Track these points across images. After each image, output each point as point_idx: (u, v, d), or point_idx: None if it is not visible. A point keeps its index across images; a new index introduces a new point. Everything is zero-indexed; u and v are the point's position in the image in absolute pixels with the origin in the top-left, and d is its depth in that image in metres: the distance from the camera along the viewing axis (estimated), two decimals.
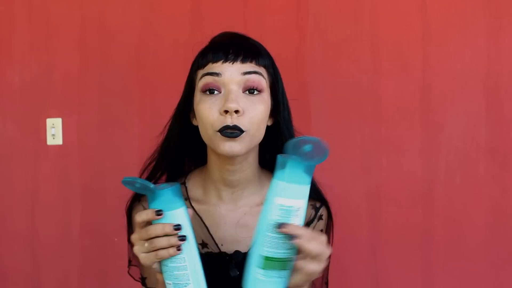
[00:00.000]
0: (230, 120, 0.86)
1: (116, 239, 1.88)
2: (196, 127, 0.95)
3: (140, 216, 0.79)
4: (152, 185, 0.78)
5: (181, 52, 1.89)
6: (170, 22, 1.91)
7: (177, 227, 0.78)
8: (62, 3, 1.96)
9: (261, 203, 0.99)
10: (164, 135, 1.02)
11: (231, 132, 0.86)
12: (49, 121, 1.97)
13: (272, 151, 0.98)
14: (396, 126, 1.80)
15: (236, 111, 0.86)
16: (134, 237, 0.80)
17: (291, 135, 0.98)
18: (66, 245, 1.96)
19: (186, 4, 1.90)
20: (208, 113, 0.88)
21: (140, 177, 1.02)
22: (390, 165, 1.80)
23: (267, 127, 0.96)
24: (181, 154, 1.02)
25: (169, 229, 0.77)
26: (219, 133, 0.87)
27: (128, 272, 1.04)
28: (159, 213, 0.78)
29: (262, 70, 0.92)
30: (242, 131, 0.87)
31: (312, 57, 1.84)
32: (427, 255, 1.78)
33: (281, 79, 0.98)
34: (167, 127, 1.01)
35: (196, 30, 1.88)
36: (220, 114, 0.87)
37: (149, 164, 1.02)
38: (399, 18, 1.80)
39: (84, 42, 1.96)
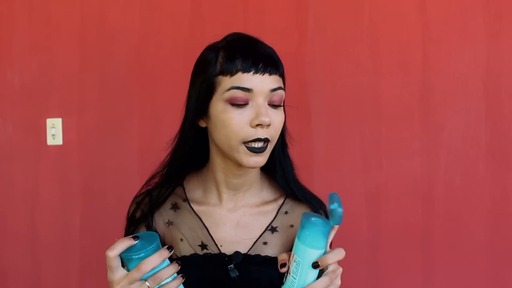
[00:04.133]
0: (261, 133, 0.88)
1: (116, 239, 1.88)
2: (203, 129, 0.95)
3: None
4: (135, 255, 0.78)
5: (181, 52, 1.89)
6: (170, 22, 1.91)
7: (170, 248, 0.79)
8: (62, 3, 1.96)
9: (260, 204, 0.99)
10: (177, 140, 0.99)
11: (259, 147, 0.88)
12: (49, 121, 1.97)
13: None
14: (396, 126, 1.80)
15: (268, 125, 0.88)
16: (123, 283, 0.78)
17: (283, 138, 0.99)
18: (66, 245, 1.96)
19: (186, 4, 1.90)
20: (236, 125, 0.88)
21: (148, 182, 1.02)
22: (390, 165, 1.80)
23: None
24: (192, 157, 1.01)
25: (165, 253, 0.78)
26: (245, 147, 0.88)
27: None
28: (135, 238, 0.79)
29: (282, 80, 0.93)
30: (268, 142, 0.89)
31: (312, 57, 1.84)
32: (427, 255, 1.79)
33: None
34: (180, 132, 0.98)
35: (196, 30, 1.88)
36: (251, 126, 0.88)
37: (162, 170, 1.00)
38: (399, 18, 1.80)
39: (84, 42, 1.96)
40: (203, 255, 0.95)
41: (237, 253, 0.94)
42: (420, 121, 1.79)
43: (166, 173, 1.00)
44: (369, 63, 1.81)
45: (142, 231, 0.97)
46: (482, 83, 1.76)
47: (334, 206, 0.79)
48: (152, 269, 0.77)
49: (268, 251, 0.96)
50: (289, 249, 0.97)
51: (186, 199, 0.99)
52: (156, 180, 1.02)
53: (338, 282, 0.81)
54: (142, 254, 0.77)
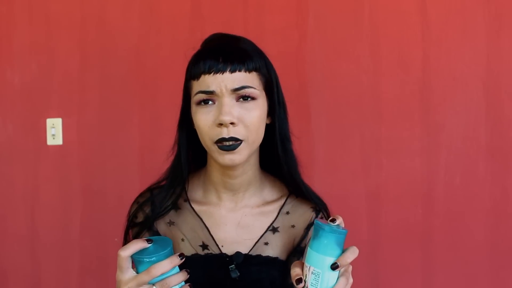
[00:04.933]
0: (226, 132, 0.87)
1: (116, 239, 1.88)
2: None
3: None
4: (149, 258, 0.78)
5: (181, 52, 1.86)
6: (170, 22, 1.91)
7: (182, 255, 0.78)
8: (62, 3, 1.96)
9: (261, 205, 0.99)
10: (175, 152, 1.00)
11: (228, 145, 0.87)
12: (49, 121, 1.97)
13: (268, 150, 0.98)
14: (396, 126, 1.80)
15: (231, 123, 0.87)
16: (131, 284, 0.78)
17: (285, 135, 0.98)
18: (66, 245, 1.96)
19: (186, 4, 1.90)
20: (204, 125, 0.89)
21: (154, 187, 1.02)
22: (390, 165, 1.80)
23: (266, 125, 0.96)
24: (190, 160, 1.02)
25: (177, 260, 0.78)
26: (216, 146, 0.88)
27: None
28: (149, 241, 0.79)
29: (253, 76, 0.91)
30: (239, 141, 0.88)
31: (312, 57, 1.84)
32: (427, 255, 1.79)
33: (276, 77, 0.97)
34: (176, 142, 1.00)
35: (196, 30, 1.88)
36: (216, 126, 0.88)
37: (166, 176, 1.01)
38: (399, 18, 1.80)
39: (84, 42, 1.96)
40: (204, 255, 0.95)
41: (238, 253, 0.94)
42: (420, 121, 1.79)
43: (170, 178, 1.00)
44: (369, 63, 1.81)
45: (146, 234, 0.97)
46: (482, 83, 1.76)
47: (328, 225, 0.78)
48: (162, 274, 0.77)
49: (269, 251, 0.96)
50: (290, 249, 0.98)
51: (187, 199, 1.00)
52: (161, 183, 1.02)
53: (351, 280, 0.81)
54: (154, 258, 0.77)
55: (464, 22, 1.77)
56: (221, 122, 0.87)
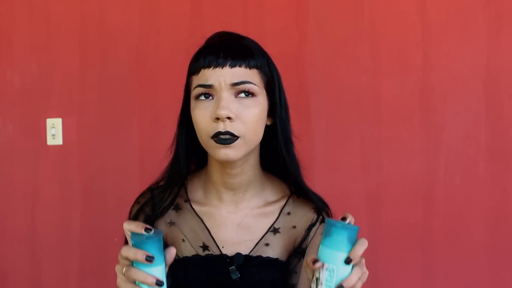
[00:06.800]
0: (222, 126, 0.87)
1: (116, 239, 1.88)
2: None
3: (129, 224, 0.76)
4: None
5: (181, 52, 1.87)
6: (170, 22, 1.91)
7: (149, 259, 0.72)
8: (62, 3, 1.96)
9: (262, 205, 0.99)
10: (174, 149, 0.99)
11: (224, 139, 0.87)
12: (49, 121, 1.97)
13: (269, 151, 0.98)
14: (396, 126, 1.80)
15: (228, 118, 0.86)
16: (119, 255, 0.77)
17: (287, 137, 0.98)
18: (66, 245, 1.96)
19: (186, 4, 1.90)
20: (202, 120, 0.89)
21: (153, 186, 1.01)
22: (390, 165, 1.80)
23: (267, 126, 0.95)
24: (189, 159, 1.01)
25: (140, 257, 0.72)
26: (213, 140, 0.88)
27: None
28: (148, 230, 0.75)
29: (253, 73, 0.91)
30: (235, 137, 0.87)
31: (312, 57, 1.84)
32: (427, 255, 1.79)
33: (278, 78, 0.97)
34: (175, 139, 0.99)
35: (196, 30, 1.88)
36: (213, 121, 0.87)
37: (164, 174, 1.00)
38: (399, 18, 1.80)
39: (84, 42, 1.96)
40: (204, 256, 0.94)
41: (238, 254, 0.94)
42: (420, 121, 1.79)
43: (168, 176, 1.00)
44: (369, 63, 1.81)
45: None
46: (482, 83, 1.76)
47: (340, 222, 0.79)
48: (139, 265, 0.74)
49: (270, 252, 0.96)
50: (290, 250, 0.97)
51: (187, 200, 0.99)
52: (160, 183, 1.02)
53: (366, 270, 0.82)
54: (133, 241, 0.76)
55: (464, 22, 1.77)
56: (218, 117, 0.86)
